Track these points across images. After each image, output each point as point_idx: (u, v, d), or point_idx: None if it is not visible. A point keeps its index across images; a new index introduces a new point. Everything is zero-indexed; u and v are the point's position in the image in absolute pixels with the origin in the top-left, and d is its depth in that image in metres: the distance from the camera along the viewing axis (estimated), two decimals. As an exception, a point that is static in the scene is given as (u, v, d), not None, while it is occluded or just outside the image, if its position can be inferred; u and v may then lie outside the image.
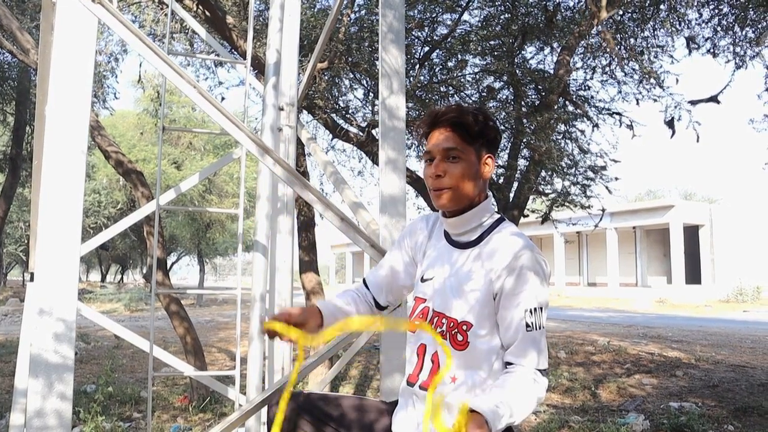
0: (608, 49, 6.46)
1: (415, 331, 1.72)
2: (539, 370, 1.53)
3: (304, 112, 6.59)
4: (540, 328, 1.54)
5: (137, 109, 20.13)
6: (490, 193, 1.72)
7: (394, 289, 1.91)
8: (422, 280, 1.74)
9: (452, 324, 1.61)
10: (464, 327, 1.59)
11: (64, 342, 1.88)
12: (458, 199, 1.63)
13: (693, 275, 28.69)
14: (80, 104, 1.95)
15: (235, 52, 5.54)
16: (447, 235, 1.75)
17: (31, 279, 3.16)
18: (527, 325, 1.52)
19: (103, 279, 43.11)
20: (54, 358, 1.86)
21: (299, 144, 5.85)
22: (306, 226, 6.58)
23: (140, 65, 8.07)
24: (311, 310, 1.79)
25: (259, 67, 4.98)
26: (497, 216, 1.70)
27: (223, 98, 8.85)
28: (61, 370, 1.87)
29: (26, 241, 22.72)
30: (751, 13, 7.02)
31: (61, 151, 1.91)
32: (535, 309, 1.53)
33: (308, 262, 6.49)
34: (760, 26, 7.15)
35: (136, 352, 9.44)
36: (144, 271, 30.52)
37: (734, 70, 7.52)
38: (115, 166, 6.25)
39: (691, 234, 28.92)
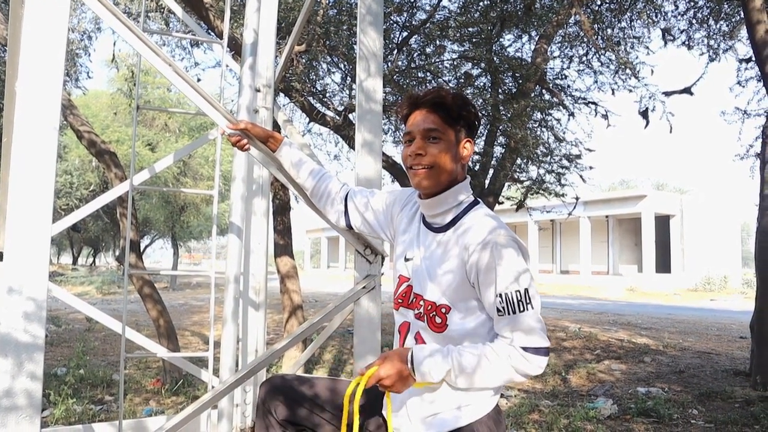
0: (585, 35, 6.51)
1: (398, 309, 1.74)
2: (525, 348, 1.51)
3: (281, 94, 6.54)
4: (515, 311, 1.49)
5: (110, 89, 19.71)
6: (467, 177, 1.73)
7: (365, 215, 1.95)
8: (405, 259, 1.76)
9: (430, 306, 1.62)
10: (443, 310, 1.60)
11: (34, 321, 1.85)
12: (436, 178, 1.64)
13: (663, 264, 29.27)
14: (52, 79, 1.91)
15: (212, 33, 5.46)
16: (423, 218, 1.76)
17: (0, 258, 3.10)
18: (498, 310, 1.52)
19: (74, 262, 42.31)
20: (24, 338, 1.83)
21: (275, 126, 5.79)
22: (281, 210, 6.55)
23: (114, 44, 7.91)
24: (277, 137, 2.03)
25: (236, 48, 4.92)
26: (472, 198, 1.71)
27: (199, 79, 8.74)
28: (31, 350, 1.84)
29: (-5, 222, 22.19)
30: (726, 6, 7.15)
31: (32, 127, 1.88)
32: (506, 294, 1.50)
33: (283, 246, 6.47)
34: (733, 20, 7.29)
35: (107, 335, 9.34)
36: (116, 253, 30.11)
37: (708, 63, 7.67)
38: (87, 146, 6.11)
39: (663, 224, 29.46)
